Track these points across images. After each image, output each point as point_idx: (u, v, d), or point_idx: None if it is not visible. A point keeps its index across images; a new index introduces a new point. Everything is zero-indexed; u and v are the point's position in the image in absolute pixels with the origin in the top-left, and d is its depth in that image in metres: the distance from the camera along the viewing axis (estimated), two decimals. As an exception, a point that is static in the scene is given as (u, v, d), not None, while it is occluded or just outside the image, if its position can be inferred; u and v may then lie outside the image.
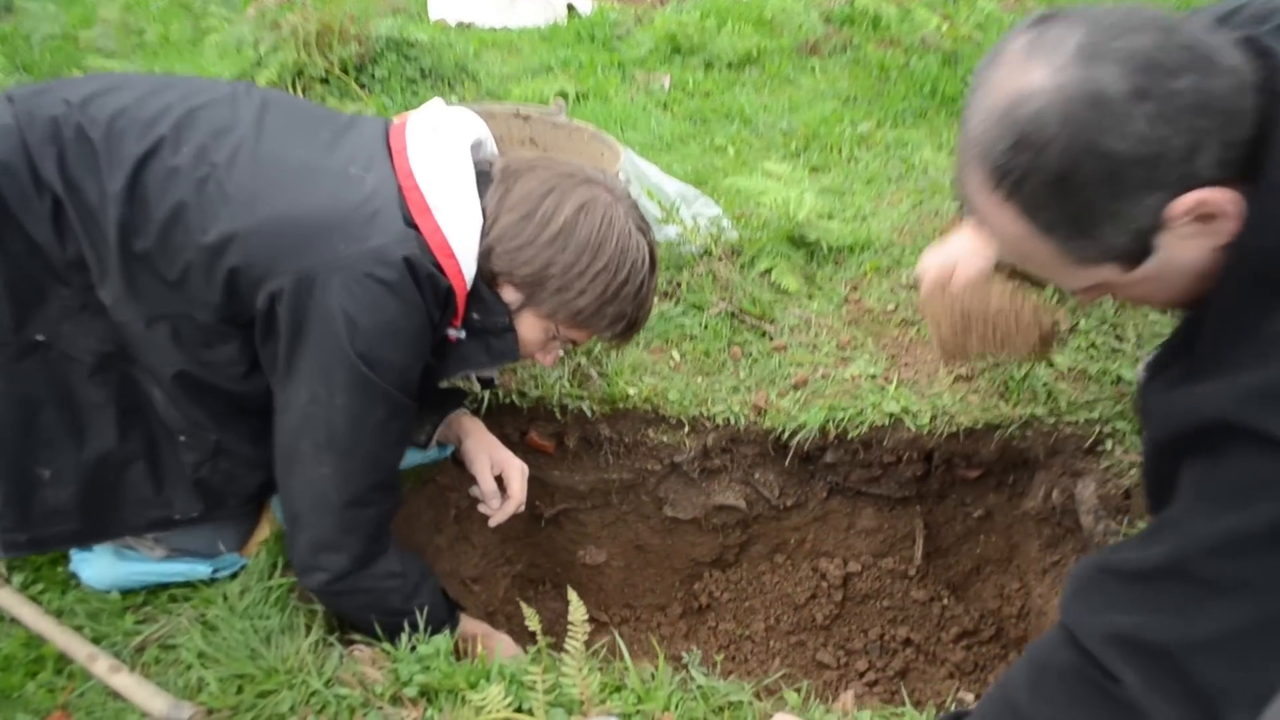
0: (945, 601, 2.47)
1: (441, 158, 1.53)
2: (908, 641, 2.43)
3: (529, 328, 1.61)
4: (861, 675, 2.39)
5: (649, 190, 2.63)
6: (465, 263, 1.49)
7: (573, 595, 1.59)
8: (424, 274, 1.43)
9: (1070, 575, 1.16)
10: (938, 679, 2.35)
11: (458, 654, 1.66)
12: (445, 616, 1.74)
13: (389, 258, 1.40)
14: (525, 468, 1.94)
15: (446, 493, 2.30)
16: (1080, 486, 2.13)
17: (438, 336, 1.56)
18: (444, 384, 1.95)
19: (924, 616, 2.46)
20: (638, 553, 2.55)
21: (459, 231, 1.48)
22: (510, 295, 1.58)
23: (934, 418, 2.15)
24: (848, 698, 1.48)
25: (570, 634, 1.54)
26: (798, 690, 1.61)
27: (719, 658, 2.44)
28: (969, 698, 2.28)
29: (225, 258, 1.41)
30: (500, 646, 1.79)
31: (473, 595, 2.38)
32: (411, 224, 1.45)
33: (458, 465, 2.03)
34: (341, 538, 1.54)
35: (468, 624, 1.83)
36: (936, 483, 2.38)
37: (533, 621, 1.55)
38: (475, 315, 1.58)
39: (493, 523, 1.94)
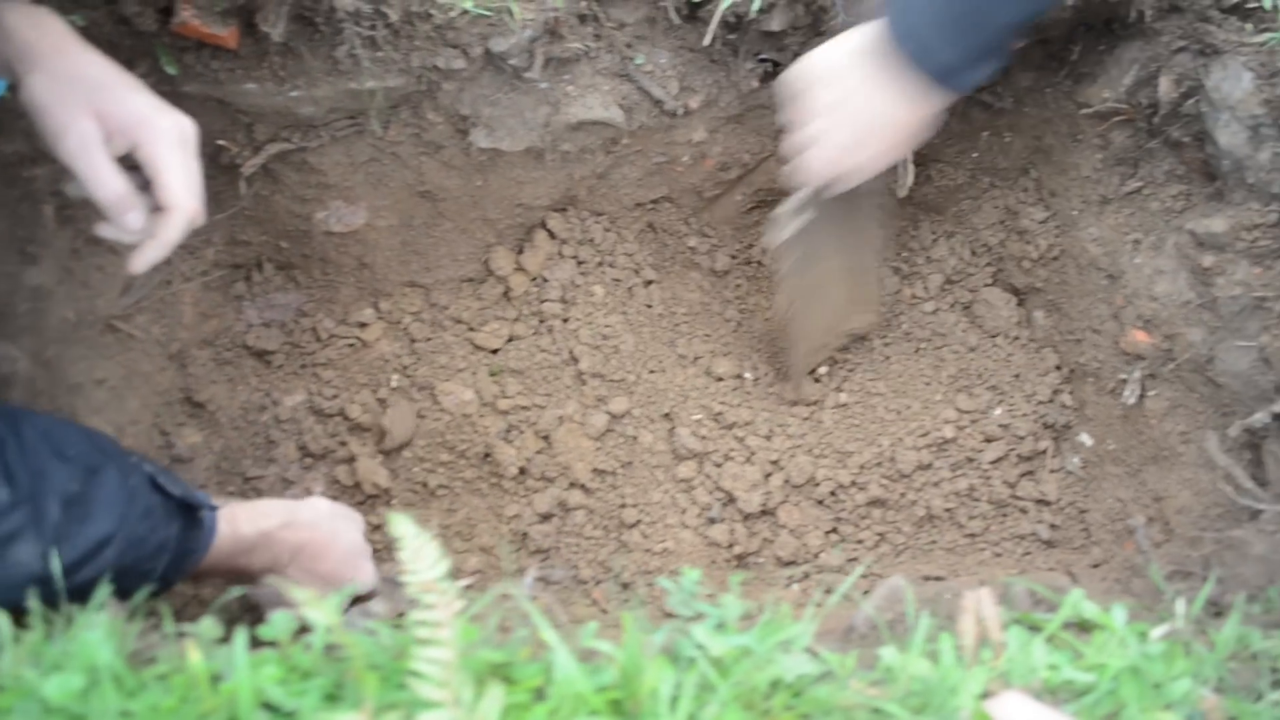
0: (923, 225, 1.61)
1: None
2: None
3: None
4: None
5: None
6: None
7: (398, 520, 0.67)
8: None
9: None
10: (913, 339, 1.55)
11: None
12: (173, 537, 0.90)
13: None
14: (188, 127, 0.89)
15: (23, 170, 1.04)
16: (1216, 72, 1.21)
17: None
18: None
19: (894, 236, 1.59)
20: (422, 204, 1.44)
21: None
22: None
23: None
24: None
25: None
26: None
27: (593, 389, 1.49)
28: (1088, 441, 1.46)
29: None
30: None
31: (148, 353, 1.23)
32: None
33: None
34: None
35: (237, 522, 0.99)
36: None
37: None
38: None
39: (138, 264, 0.89)
